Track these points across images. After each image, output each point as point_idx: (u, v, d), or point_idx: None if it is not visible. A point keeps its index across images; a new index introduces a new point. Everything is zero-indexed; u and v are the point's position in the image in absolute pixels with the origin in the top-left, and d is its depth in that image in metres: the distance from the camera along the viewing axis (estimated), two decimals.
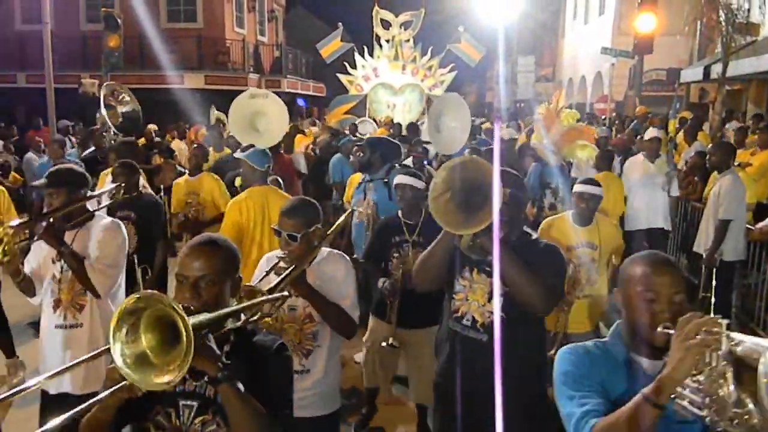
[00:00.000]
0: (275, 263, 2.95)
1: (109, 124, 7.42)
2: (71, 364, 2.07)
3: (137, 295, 1.67)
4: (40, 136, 11.57)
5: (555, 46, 32.65)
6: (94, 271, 3.30)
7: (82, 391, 3.30)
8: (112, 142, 7.75)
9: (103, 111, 7.29)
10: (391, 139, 6.81)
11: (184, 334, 1.59)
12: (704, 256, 5.93)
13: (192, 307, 1.87)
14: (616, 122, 14.45)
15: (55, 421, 1.77)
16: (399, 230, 4.31)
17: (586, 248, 4.40)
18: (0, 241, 3.06)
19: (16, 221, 3.28)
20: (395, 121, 13.09)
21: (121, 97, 7.44)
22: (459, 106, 8.08)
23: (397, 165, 5.71)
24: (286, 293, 2.59)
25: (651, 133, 7.65)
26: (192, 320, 1.66)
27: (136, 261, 4.73)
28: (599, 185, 4.54)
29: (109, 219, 3.58)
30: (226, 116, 8.44)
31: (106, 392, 1.76)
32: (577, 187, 4.54)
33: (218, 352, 1.83)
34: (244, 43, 23.33)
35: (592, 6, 26.69)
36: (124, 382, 1.73)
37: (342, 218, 3.71)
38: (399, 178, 4.45)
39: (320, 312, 2.94)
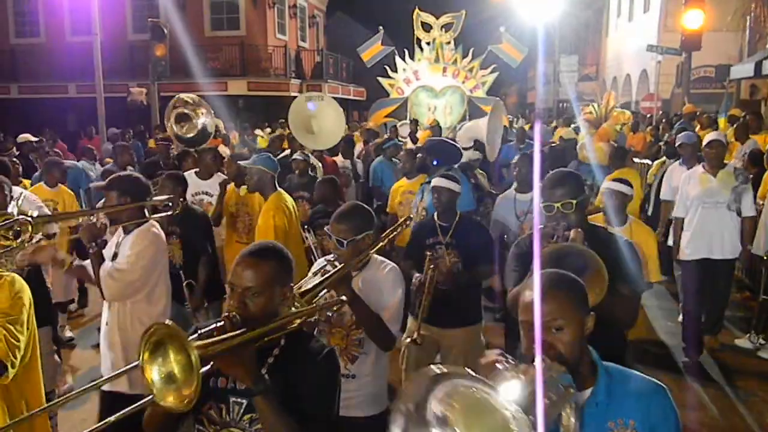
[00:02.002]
0: (323, 266, 2.99)
1: (175, 134, 7.33)
2: (119, 372, 2.10)
3: (155, 326, 1.71)
4: (92, 145, 11.87)
5: (598, 45, 32.14)
6: (105, 274, 3.38)
7: (131, 391, 3.40)
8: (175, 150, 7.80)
9: (172, 122, 7.23)
10: (450, 142, 6.80)
11: (195, 371, 1.63)
12: (764, 257, 5.74)
13: (238, 317, 1.92)
14: (663, 121, 14.12)
15: (110, 419, 1.83)
16: (433, 232, 4.35)
17: None
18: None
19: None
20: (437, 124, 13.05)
21: (196, 106, 7.37)
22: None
23: (456, 167, 5.72)
24: (343, 298, 2.63)
25: (712, 136, 5.95)
26: (207, 349, 1.73)
27: (182, 276, 4.63)
28: (630, 184, 4.51)
29: (147, 228, 3.60)
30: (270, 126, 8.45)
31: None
32: (607, 184, 4.49)
33: (255, 366, 1.88)
34: (285, 49, 23.62)
35: (637, 3, 26.20)
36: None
37: (394, 227, 3.68)
38: (436, 181, 4.47)
39: (359, 318, 2.93)
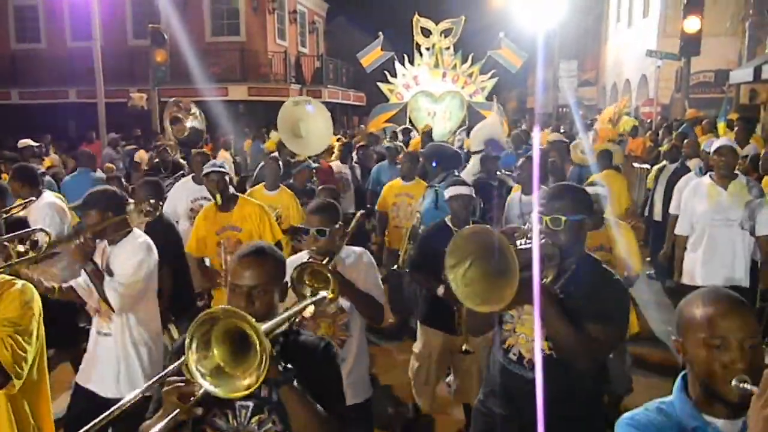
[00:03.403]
0: (307, 260, 3.06)
1: (171, 137, 7.50)
2: (152, 381, 2.05)
3: (208, 311, 1.75)
4: (92, 150, 11.86)
5: (598, 50, 32.19)
6: (109, 288, 3.41)
7: (114, 395, 3.42)
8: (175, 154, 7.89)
9: (167, 124, 7.38)
10: (451, 147, 6.81)
11: (258, 342, 1.68)
12: None
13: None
14: (663, 126, 14.14)
15: (96, 421, 1.84)
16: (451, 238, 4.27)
17: (598, 251, 4.08)
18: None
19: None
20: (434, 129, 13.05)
21: (188, 110, 7.53)
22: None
23: (456, 173, 5.75)
24: (325, 293, 2.71)
25: (721, 141, 5.23)
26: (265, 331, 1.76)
27: None
28: (602, 185, 4.52)
29: (140, 239, 3.63)
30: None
31: (167, 418, 1.81)
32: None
33: (278, 357, 1.89)
34: (285, 55, 23.66)
35: (636, 9, 26.26)
36: (179, 409, 1.80)
37: (355, 220, 3.84)
38: (455, 189, 4.48)
39: (354, 301, 3.13)
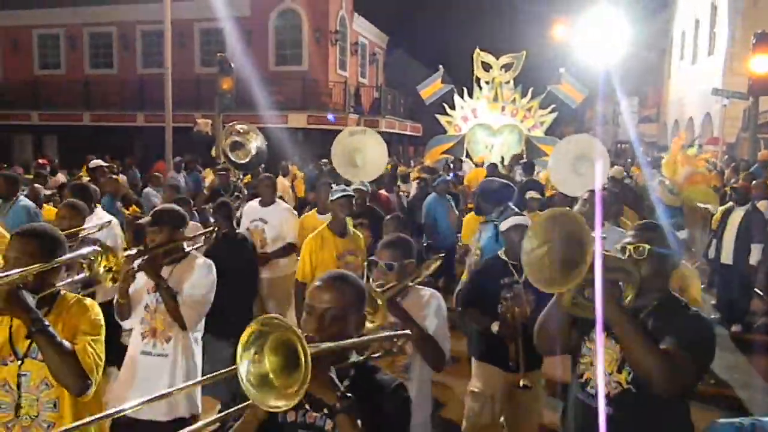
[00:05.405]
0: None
1: (226, 158, 7.68)
2: (185, 385, 2.14)
3: (262, 319, 1.75)
4: (159, 172, 12.27)
5: (660, 86, 31.65)
6: (185, 306, 3.46)
7: (166, 417, 3.45)
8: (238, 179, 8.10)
9: (227, 149, 7.57)
10: (499, 180, 6.74)
11: (303, 359, 1.64)
12: None
13: (316, 338, 1.92)
14: (731, 165, 13.75)
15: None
16: (506, 272, 4.14)
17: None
18: (111, 269, 3.28)
19: (132, 251, 3.50)
20: (491, 162, 13.00)
21: (245, 133, 7.70)
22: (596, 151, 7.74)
23: (510, 206, 5.62)
24: (408, 331, 2.58)
25: None
26: (312, 348, 1.71)
27: None
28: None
29: (203, 258, 3.72)
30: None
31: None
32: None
33: (338, 383, 1.86)
34: (345, 85, 24.08)
35: (701, 46, 25.78)
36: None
37: (437, 262, 3.70)
38: (512, 220, 4.34)
39: (414, 340, 2.95)
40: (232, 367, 1.80)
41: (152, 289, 3.55)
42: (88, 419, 2.23)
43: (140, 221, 5.62)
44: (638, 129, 26.98)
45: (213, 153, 14.51)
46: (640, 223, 2.75)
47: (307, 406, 1.98)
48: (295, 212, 6.87)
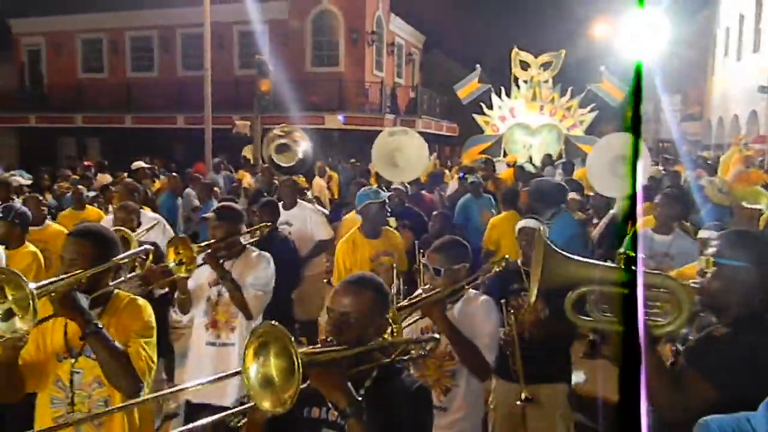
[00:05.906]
0: (417, 294, 3.00)
1: (269, 161, 7.76)
2: (217, 377, 2.21)
3: (263, 325, 1.75)
4: (198, 172, 12.41)
5: (703, 84, 30.91)
6: (250, 296, 3.64)
7: (220, 402, 3.53)
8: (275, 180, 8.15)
9: (272, 151, 7.64)
10: (551, 181, 6.61)
11: (297, 368, 1.64)
12: None
13: (333, 341, 1.94)
14: None
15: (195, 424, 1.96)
16: (518, 278, 3.92)
17: None
18: (182, 262, 3.41)
19: (202, 244, 3.68)
20: (519, 164, 12.75)
21: (297, 138, 7.78)
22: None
23: (564, 207, 5.48)
24: (437, 336, 2.46)
25: None
26: (312, 356, 1.77)
27: None
28: None
29: (260, 252, 3.92)
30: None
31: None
32: (704, 233, 4.05)
33: (349, 386, 1.83)
34: (381, 85, 24.08)
35: (746, 42, 25.08)
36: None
37: (487, 264, 3.65)
38: (525, 222, 4.16)
39: (454, 347, 2.91)
40: (238, 369, 1.82)
41: (213, 282, 3.75)
42: (142, 398, 2.33)
43: (206, 215, 5.79)
44: (681, 127, 26.37)
45: (249, 155, 14.64)
46: (724, 233, 2.39)
47: (330, 405, 1.97)
48: (321, 210, 6.89)
